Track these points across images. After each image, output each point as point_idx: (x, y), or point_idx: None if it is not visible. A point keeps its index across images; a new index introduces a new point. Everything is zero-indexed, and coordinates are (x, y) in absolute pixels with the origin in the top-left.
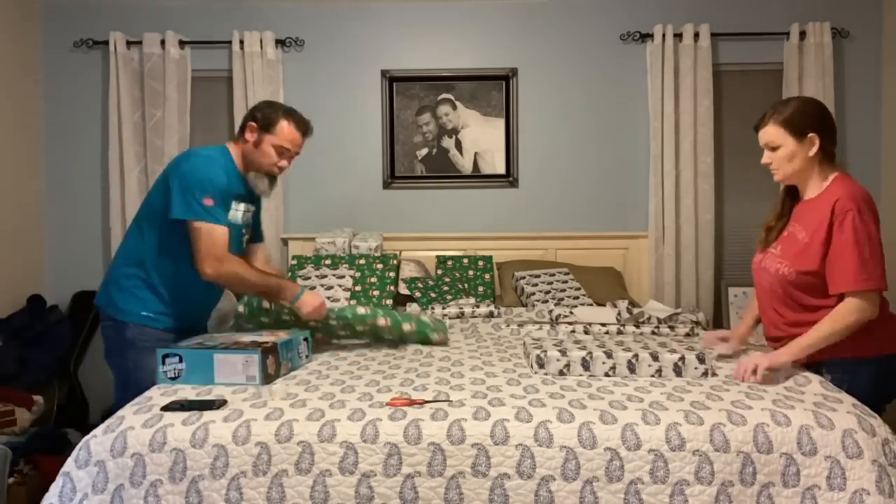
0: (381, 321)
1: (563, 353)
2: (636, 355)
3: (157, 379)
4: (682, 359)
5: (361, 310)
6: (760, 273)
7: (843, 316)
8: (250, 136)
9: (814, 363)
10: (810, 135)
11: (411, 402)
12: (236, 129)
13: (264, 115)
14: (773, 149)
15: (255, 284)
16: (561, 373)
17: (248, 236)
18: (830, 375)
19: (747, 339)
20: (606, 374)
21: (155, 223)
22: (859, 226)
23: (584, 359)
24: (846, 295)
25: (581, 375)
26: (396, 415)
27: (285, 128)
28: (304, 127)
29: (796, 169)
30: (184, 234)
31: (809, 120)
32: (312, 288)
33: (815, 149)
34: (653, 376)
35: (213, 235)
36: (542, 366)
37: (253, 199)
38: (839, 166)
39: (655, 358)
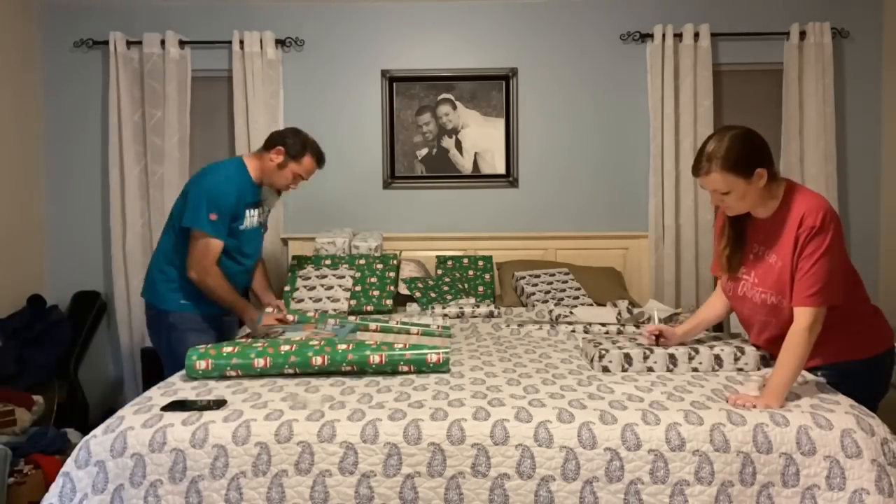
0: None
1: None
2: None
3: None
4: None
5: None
6: (745, 303)
7: (802, 340)
8: (276, 158)
9: (809, 368)
10: (758, 170)
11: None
12: (235, 129)
13: (294, 145)
14: (724, 193)
15: (224, 300)
16: (623, 369)
17: (266, 231)
18: (826, 379)
19: (685, 338)
20: (649, 370)
21: (180, 229)
22: (824, 242)
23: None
24: (801, 310)
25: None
26: (396, 415)
27: (308, 161)
28: (321, 163)
29: (751, 204)
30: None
31: (751, 156)
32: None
33: (763, 181)
34: (695, 369)
35: (207, 247)
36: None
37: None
38: (781, 177)
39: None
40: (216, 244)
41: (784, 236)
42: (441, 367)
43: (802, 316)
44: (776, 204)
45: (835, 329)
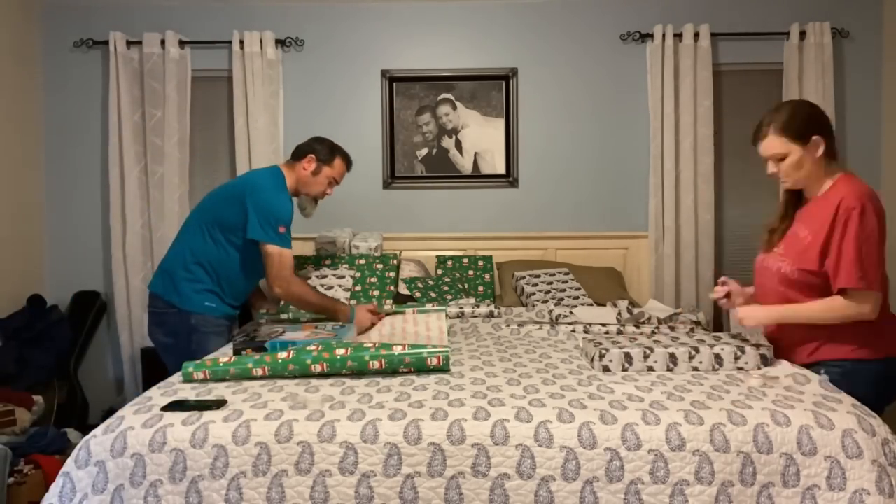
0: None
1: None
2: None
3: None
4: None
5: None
6: (762, 272)
7: (836, 306)
8: (309, 166)
9: (813, 363)
10: (814, 138)
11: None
12: (235, 129)
13: (323, 151)
14: (780, 159)
15: (315, 305)
16: (624, 368)
17: None
18: (829, 377)
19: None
20: (650, 369)
21: (226, 236)
22: (862, 224)
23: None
24: (843, 292)
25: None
26: (396, 415)
27: (339, 164)
28: (350, 164)
29: (806, 174)
30: (254, 251)
31: (809, 122)
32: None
33: (821, 150)
34: (696, 369)
35: (283, 259)
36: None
37: None
38: (842, 164)
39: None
40: (289, 254)
41: (821, 213)
42: (442, 368)
43: (853, 297)
44: (829, 185)
45: (849, 325)
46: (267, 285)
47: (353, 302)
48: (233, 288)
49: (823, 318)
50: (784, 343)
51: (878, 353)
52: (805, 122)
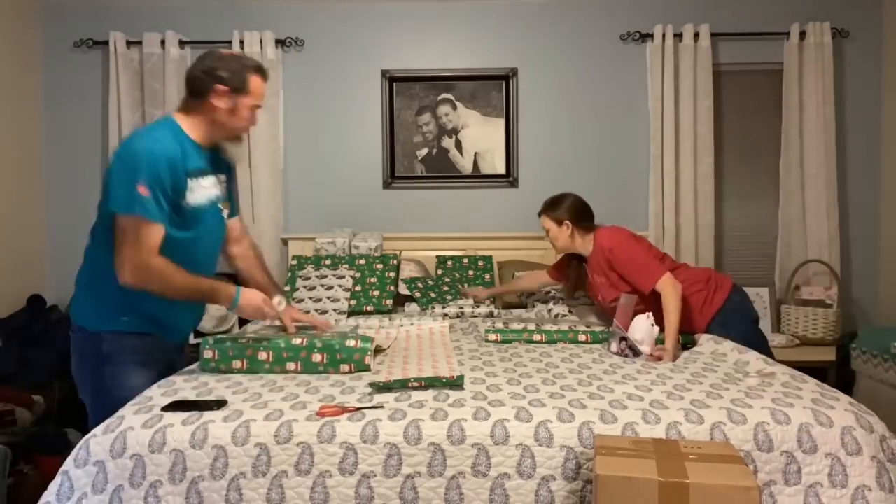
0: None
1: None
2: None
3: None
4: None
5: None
6: (611, 311)
7: (670, 299)
8: (221, 102)
9: (705, 328)
10: (565, 222)
11: (343, 411)
12: None
13: (233, 76)
14: (547, 231)
15: (183, 289)
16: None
17: (226, 211)
18: (718, 332)
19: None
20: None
21: (102, 219)
22: (624, 250)
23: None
24: (656, 286)
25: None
26: (396, 415)
27: (257, 83)
28: (266, 75)
29: (564, 244)
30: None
31: (563, 211)
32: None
33: (568, 230)
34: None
35: (139, 234)
36: None
37: (222, 167)
38: (596, 225)
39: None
40: (154, 229)
41: (599, 262)
42: (455, 383)
43: (660, 286)
44: (590, 245)
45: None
46: (115, 267)
47: (351, 303)
48: (153, 302)
49: (677, 307)
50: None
51: (716, 303)
52: (558, 211)
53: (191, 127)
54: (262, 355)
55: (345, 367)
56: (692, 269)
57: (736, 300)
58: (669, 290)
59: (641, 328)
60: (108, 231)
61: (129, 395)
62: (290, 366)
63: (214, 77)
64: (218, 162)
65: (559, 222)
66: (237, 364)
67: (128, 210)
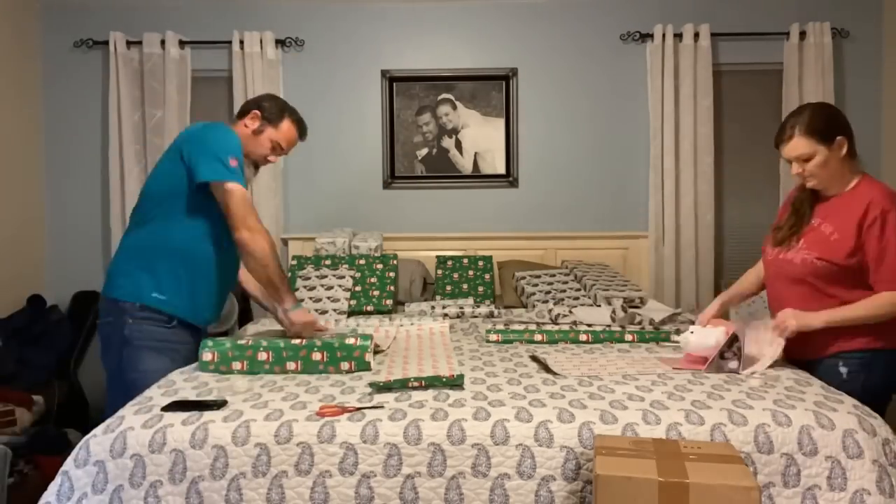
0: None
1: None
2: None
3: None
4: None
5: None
6: (781, 265)
7: (880, 305)
8: (251, 124)
9: (830, 355)
10: (838, 138)
11: (343, 411)
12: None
13: (271, 109)
14: (805, 160)
15: (273, 274)
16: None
17: None
18: (847, 368)
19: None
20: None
21: (155, 201)
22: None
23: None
24: (887, 293)
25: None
26: (396, 415)
27: (288, 127)
28: (303, 132)
29: (831, 173)
30: (198, 209)
31: (832, 123)
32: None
33: (844, 149)
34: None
35: (246, 198)
36: None
37: None
38: (862, 165)
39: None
40: (248, 194)
41: (848, 213)
42: (455, 382)
43: (892, 294)
44: (850, 185)
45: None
46: (231, 226)
47: (351, 303)
48: (191, 276)
49: (870, 316)
50: (799, 335)
51: (891, 342)
52: (828, 123)
53: None
54: (262, 356)
55: (345, 365)
56: None
57: None
58: (891, 308)
59: (764, 341)
60: (167, 208)
61: (142, 377)
62: (291, 365)
63: (258, 104)
64: None
65: (829, 140)
66: (237, 365)
67: (231, 178)
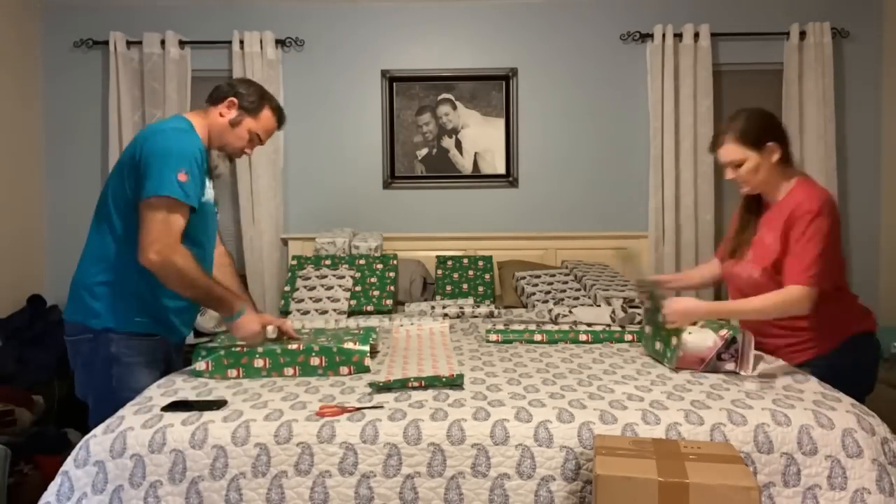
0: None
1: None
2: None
3: None
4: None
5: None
6: (732, 279)
7: (778, 300)
8: (227, 113)
9: (801, 363)
10: (769, 144)
11: (343, 411)
12: None
13: (249, 97)
14: (737, 165)
15: (200, 289)
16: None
17: (217, 212)
18: (817, 377)
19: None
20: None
21: (120, 213)
22: (815, 226)
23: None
24: (788, 287)
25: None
26: (396, 415)
27: (267, 117)
28: (281, 120)
29: (764, 179)
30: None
31: (764, 129)
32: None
33: (776, 156)
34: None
35: (169, 219)
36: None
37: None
38: (798, 169)
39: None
40: (183, 213)
41: (781, 219)
42: (455, 382)
43: (788, 290)
44: (787, 189)
45: (817, 315)
46: (140, 247)
47: (352, 303)
48: (154, 291)
49: (765, 308)
50: (766, 348)
51: (849, 330)
52: (760, 129)
53: (199, 126)
54: (259, 362)
55: (344, 370)
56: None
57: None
58: (795, 305)
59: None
60: (117, 225)
61: (136, 396)
62: (288, 371)
63: (234, 90)
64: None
65: (759, 146)
66: (233, 373)
67: (165, 192)
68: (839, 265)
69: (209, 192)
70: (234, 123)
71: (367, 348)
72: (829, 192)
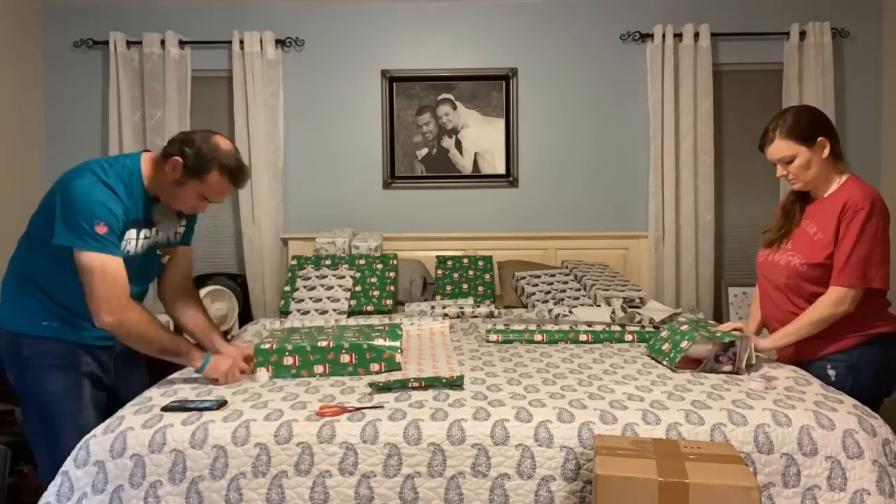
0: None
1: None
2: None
3: None
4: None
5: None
6: (768, 267)
7: (824, 308)
8: (172, 173)
9: (820, 357)
10: (819, 139)
11: (343, 411)
12: (235, 129)
13: (196, 159)
14: (788, 162)
15: (157, 344)
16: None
17: (166, 255)
18: (835, 371)
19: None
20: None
21: (43, 246)
22: (867, 225)
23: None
24: (834, 288)
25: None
26: (396, 415)
27: (216, 180)
28: (238, 181)
29: (814, 174)
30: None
31: (814, 125)
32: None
33: (826, 150)
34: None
35: (107, 273)
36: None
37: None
38: (848, 166)
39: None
40: (117, 266)
41: (831, 212)
42: (455, 382)
43: (834, 292)
44: (837, 185)
45: (845, 320)
46: (91, 310)
47: (352, 303)
48: (80, 306)
49: (815, 321)
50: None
51: (876, 328)
52: (809, 125)
53: (149, 174)
54: (288, 360)
55: (375, 367)
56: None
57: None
58: (840, 306)
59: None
60: (40, 238)
61: (52, 399)
62: (318, 369)
63: (181, 148)
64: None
65: (810, 141)
66: (261, 371)
67: (91, 249)
68: (887, 265)
69: (131, 245)
70: (177, 183)
71: (398, 344)
72: (877, 190)
